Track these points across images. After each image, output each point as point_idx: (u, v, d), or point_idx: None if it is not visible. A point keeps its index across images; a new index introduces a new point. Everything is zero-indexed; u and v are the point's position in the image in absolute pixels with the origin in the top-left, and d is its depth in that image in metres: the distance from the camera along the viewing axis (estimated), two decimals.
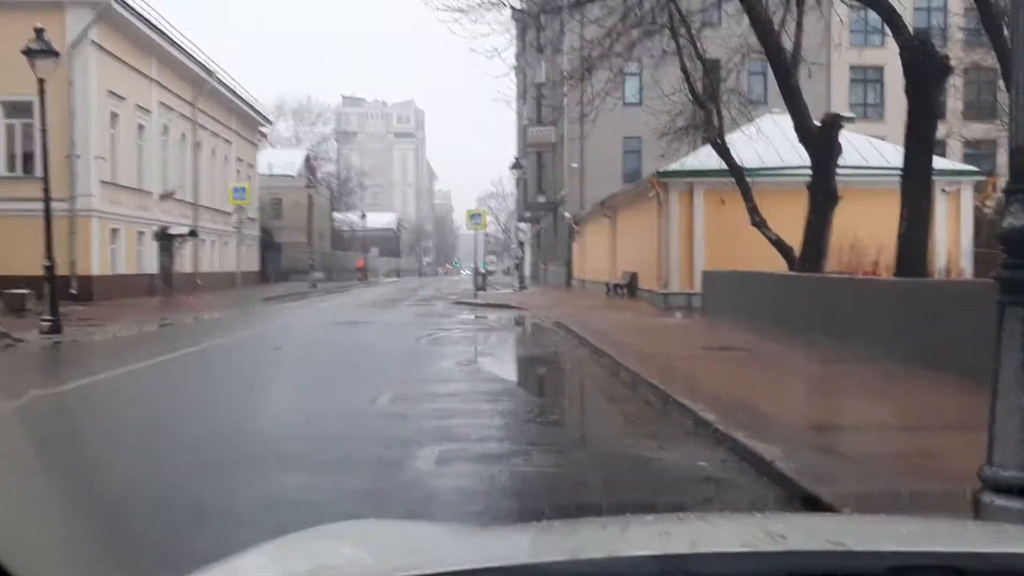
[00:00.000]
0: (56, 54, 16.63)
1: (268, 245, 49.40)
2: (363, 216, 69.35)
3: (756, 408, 7.66)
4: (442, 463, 6.22)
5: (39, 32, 16.15)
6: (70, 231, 24.38)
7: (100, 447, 6.88)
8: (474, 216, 34.28)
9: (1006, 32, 13.63)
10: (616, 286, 29.00)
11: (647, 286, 25.53)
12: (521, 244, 49.71)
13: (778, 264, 16.70)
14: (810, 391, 9.59)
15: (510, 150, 55.45)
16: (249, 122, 45.92)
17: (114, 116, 27.93)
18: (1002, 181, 4.07)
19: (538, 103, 43.67)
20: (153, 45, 30.46)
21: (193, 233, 33.73)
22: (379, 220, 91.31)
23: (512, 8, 16.00)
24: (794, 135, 16.01)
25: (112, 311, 21.64)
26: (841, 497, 4.72)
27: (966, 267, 21.17)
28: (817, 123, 15.60)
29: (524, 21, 17.85)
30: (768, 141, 21.85)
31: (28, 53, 16.00)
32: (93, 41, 25.84)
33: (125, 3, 27.12)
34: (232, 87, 40.45)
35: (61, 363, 13.82)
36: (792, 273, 15.74)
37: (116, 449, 6.79)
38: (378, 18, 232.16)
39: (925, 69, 12.68)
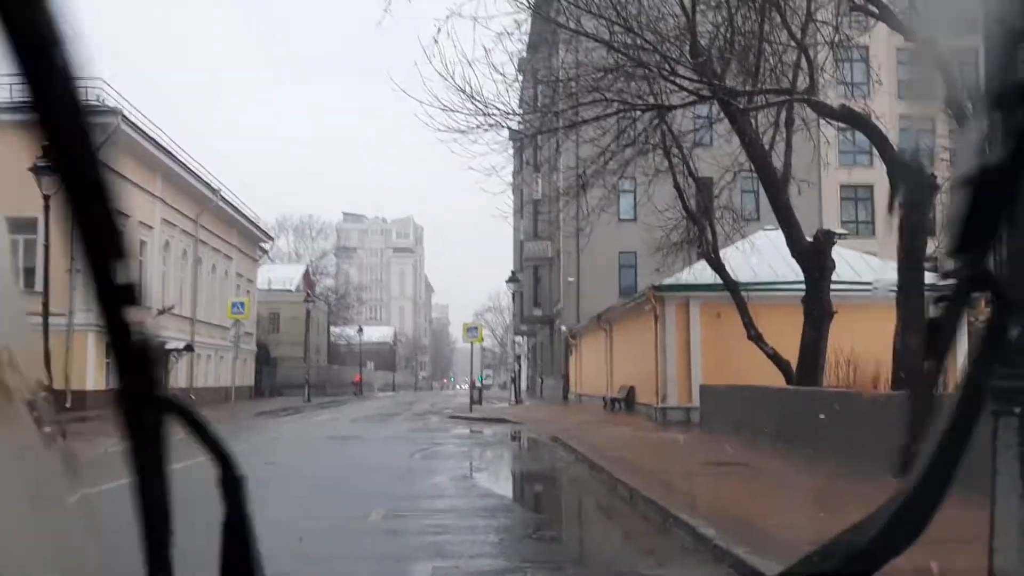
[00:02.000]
0: None
1: (264, 359, 49.30)
2: (360, 330, 69.57)
3: (757, 524, 7.53)
4: None
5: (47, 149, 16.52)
6: (67, 346, 24.40)
7: None
8: (471, 330, 34.41)
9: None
10: (613, 400, 28.82)
11: (645, 400, 25.38)
12: (517, 358, 49.68)
13: (776, 377, 16.67)
14: (811, 506, 9.43)
15: (507, 264, 56.06)
16: (251, 238, 46.47)
17: None
18: None
19: (534, 218, 44.43)
20: (159, 164, 31.14)
21: (189, 348, 33.74)
22: (376, 334, 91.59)
23: (509, 129, 16.45)
24: (787, 251, 16.21)
25: (105, 425, 21.49)
26: None
27: None
28: (809, 239, 15.83)
29: (521, 141, 18.30)
30: (762, 256, 22.13)
31: (35, 170, 16.30)
32: None
33: (133, 124, 27.87)
34: (235, 204, 41.12)
35: None
36: (790, 387, 15.70)
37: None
38: (381, 138, 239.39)
39: (912, 187, 12.94)
